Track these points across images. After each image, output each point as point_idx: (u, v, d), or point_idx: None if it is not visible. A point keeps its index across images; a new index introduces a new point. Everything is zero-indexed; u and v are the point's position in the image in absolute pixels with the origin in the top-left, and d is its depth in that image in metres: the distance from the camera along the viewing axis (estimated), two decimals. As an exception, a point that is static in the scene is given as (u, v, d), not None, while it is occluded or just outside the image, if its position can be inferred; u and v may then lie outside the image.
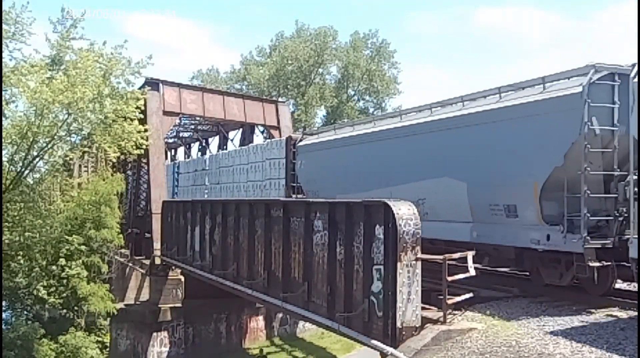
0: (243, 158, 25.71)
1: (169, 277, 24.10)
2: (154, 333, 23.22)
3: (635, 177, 8.95)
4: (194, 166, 32.68)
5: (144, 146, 22.63)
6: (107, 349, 24.65)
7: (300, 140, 20.70)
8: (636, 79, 9.01)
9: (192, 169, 32.70)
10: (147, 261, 25.93)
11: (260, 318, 26.10)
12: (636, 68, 9.13)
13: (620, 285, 11.75)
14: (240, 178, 25.44)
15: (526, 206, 10.94)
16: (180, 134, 44.72)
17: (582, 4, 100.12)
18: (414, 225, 9.44)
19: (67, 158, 23.74)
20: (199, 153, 42.27)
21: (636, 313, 9.16)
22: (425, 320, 9.50)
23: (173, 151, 49.91)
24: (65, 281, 22.57)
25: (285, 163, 21.34)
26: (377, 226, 9.88)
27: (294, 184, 20.58)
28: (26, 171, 21.62)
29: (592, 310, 9.75)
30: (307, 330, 26.49)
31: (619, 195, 9.64)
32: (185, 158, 44.85)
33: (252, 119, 31.55)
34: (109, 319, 24.42)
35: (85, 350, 22.35)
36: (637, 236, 8.64)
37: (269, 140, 25.68)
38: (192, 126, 40.71)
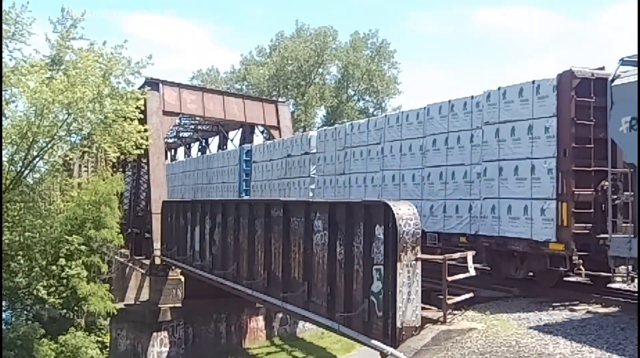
0: (410, 128, 14.96)
1: (169, 277, 24.10)
2: (154, 333, 23.21)
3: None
4: (283, 149, 22.14)
5: (144, 146, 22.65)
6: (107, 349, 24.64)
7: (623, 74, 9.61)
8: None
9: (279, 154, 22.39)
10: (147, 261, 25.93)
11: (260, 318, 26.09)
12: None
13: (619, 284, 11.75)
14: (405, 163, 15.05)
15: None
16: (180, 134, 44.76)
17: (582, 4, 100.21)
18: (414, 224, 9.46)
19: (67, 158, 23.76)
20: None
21: (636, 313, 9.15)
22: (425, 320, 9.51)
23: (173, 151, 49.96)
24: (65, 281, 22.55)
25: (557, 130, 11.03)
26: (377, 226, 9.89)
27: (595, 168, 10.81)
28: (26, 171, 21.64)
29: (593, 310, 9.75)
30: (307, 330, 26.48)
31: None
32: (185, 157, 44.86)
33: (252, 119, 31.55)
34: (109, 319, 24.40)
35: (85, 350, 22.34)
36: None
37: (490, 90, 12.56)
38: (192, 126, 40.75)
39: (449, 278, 9.39)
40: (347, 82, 56.05)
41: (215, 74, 62.28)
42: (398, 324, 9.30)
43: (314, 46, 54.36)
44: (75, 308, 23.28)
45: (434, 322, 9.47)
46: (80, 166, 34.21)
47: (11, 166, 21.13)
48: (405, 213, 9.49)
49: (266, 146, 24.44)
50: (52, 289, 22.60)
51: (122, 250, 29.27)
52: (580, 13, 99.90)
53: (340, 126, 18.65)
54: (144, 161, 28.51)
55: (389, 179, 15.68)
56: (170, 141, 44.74)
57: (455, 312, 9.92)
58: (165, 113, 28.35)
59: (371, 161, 16.58)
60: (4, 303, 22.93)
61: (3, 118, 19.84)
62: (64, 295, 22.65)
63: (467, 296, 10.05)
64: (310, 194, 19.43)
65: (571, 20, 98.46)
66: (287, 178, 21.51)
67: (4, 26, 18.95)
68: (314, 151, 19.74)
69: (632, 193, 9.14)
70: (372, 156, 16.54)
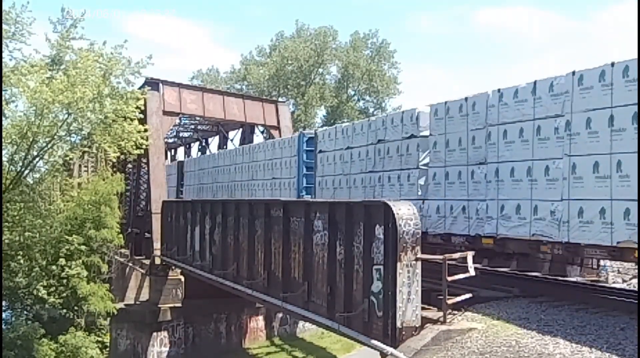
0: (633, 87, 9.19)
1: (169, 277, 24.12)
2: (154, 333, 23.24)
3: None
4: (370, 133, 16.10)
5: (144, 146, 22.65)
6: (107, 349, 24.67)
7: None
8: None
9: (363, 140, 16.39)
10: (147, 261, 25.95)
11: (260, 318, 26.12)
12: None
13: (620, 284, 11.76)
14: (622, 143, 9.43)
15: None
16: (180, 134, 44.76)
17: (582, 4, 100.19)
18: (414, 225, 9.46)
19: (67, 158, 23.76)
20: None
21: (636, 313, 9.15)
22: (425, 320, 9.50)
23: (173, 151, 49.98)
24: (65, 281, 22.58)
25: None
26: (377, 226, 9.89)
27: None
28: (26, 171, 21.65)
29: (592, 310, 9.74)
30: (307, 330, 26.50)
31: None
32: (186, 157, 44.82)
33: (252, 119, 31.58)
34: (109, 319, 24.43)
35: (85, 350, 22.36)
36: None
37: None
38: (192, 126, 40.76)
39: (449, 278, 9.39)
40: (347, 82, 56.09)
41: (215, 74, 62.29)
42: (398, 324, 9.30)
43: (314, 45, 54.40)
44: (75, 308, 23.30)
45: (434, 322, 9.47)
46: (80, 166, 34.25)
47: (11, 166, 21.14)
48: (405, 213, 9.49)
49: (341, 131, 17.90)
50: (52, 289, 22.62)
51: (122, 250, 29.28)
52: (580, 13, 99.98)
53: (477, 95, 12.72)
54: (144, 161, 28.53)
55: (585, 169, 9.98)
56: (170, 141, 44.74)
57: (455, 312, 9.91)
58: (165, 113, 28.38)
59: (543, 143, 10.99)
60: (4, 303, 22.94)
61: (3, 118, 19.86)
62: (64, 295, 22.67)
63: (467, 296, 10.04)
64: (419, 192, 13.84)
65: (571, 20, 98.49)
66: (377, 171, 15.62)
67: (4, 26, 18.95)
68: (426, 132, 14.07)
69: None
70: (544, 136, 10.95)
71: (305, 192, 20.00)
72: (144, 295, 26.88)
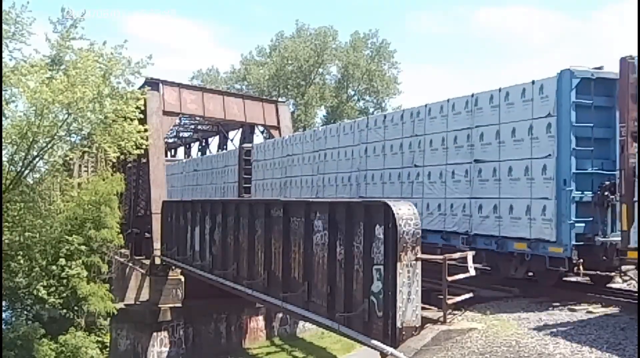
0: None
1: (169, 277, 24.10)
2: (154, 333, 23.20)
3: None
4: None
5: (144, 146, 22.65)
6: (107, 349, 24.65)
7: None
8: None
9: None
10: (147, 261, 25.93)
11: (260, 318, 26.09)
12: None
13: (620, 284, 11.77)
14: None
15: None
16: (180, 134, 44.81)
17: (582, 4, 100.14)
18: (414, 225, 9.45)
19: (67, 158, 23.76)
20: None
21: (636, 313, 9.15)
22: (425, 320, 9.51)
23: (173, 151, 50.02)
24: (65, 281, 22.54)
25: None
26: (377, 226, 9.89)
27: None
28: (26, 171, 21.65)
29: (592, 310, 9.75)
30: (307, 330, 26.47)
31: None
32: (185, 157, 44.80)
33: (252, 119, 31.56)
34: (109, 319, 24.41)
35: (85, 350, 22.36)
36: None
37: None
38: (192, 126, 40.78)
39: (449, 278, 9.39)
40: (347, 82, 56.11)
41: (215, 74, 62.34)
42: (398, 324, 9.29)
43: (314, 46, 54.42)
44: (75, 308, 23.28)
45: (434, 322, 9.47)
46: (80, 166, 34.19)
47: (11, 166, 21.14)
48: (405, 213, 9.49)
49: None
50: (52, 289, 22.58)
51: (122, 250, 29.26)
52: (580, 13, 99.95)
53: None
54: (144, 161, 28.52)
55: None
56: (170, 141, 44.78)
57: (455, 312, 9.92)
58: (165, 113, 28.34)
59: None
60: (4, 303, 22.94)
61: (3, 118, 19.87)
62: (64, 295, 22.64)
63: (467, 296, 10.04)
64: None
65: (571, 20, 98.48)
66: None
67: (4, 26, 18.95)
68: None
69: None
70: None
71: (575, 185, 10.49)
72: (144, 295, 26.84)
